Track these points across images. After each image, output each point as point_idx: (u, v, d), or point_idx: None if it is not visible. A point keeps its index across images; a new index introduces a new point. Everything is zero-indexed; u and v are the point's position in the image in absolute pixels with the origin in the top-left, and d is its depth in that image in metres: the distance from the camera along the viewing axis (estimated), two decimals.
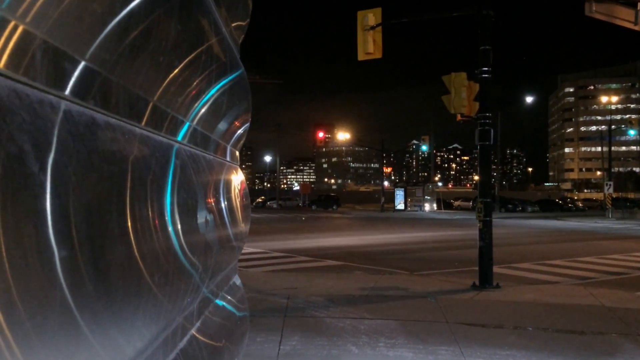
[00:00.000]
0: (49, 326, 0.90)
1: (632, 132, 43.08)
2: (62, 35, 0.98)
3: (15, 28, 0.85)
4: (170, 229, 1.58)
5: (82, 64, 1.07)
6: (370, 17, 11.71)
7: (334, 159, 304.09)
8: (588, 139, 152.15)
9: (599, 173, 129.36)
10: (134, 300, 1.28)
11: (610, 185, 41.74)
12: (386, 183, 72.14)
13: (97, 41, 1.11)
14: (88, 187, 1.06)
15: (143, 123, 1.43)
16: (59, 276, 0.92)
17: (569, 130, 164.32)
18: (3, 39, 0.83)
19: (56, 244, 0.91)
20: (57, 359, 0.94)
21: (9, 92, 0.82)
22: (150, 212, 1.40)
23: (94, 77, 1.12)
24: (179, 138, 1.81)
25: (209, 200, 2.17)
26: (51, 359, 0.91)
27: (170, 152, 1.67)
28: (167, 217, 1.56)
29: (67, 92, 1.01)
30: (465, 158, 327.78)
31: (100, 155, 1.12)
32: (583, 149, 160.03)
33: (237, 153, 3.21)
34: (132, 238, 1.26)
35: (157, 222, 1.45)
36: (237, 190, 2.93)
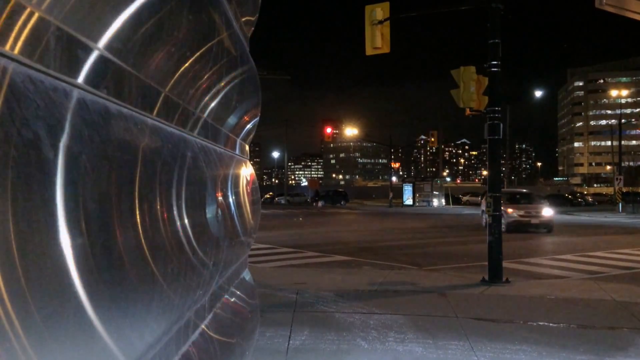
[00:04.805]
0: (60, 315, 0.89)
1: None
2: (76, 24, 0.98)
3: (30, 15, 0.85)
4: (180, 221, 1.58)
5: (96, 52, 1.06)
6: (378, 11, 11.66)
7: (341, 155, 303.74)
8: (598, 133, 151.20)
9: (608, 167, 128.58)
10: (143, 292, 1.28)
11: (620, 179, 41.41)
12: (394, 178, 72.01)
13: (111, 30, 1.11)
14: (100, 175, 1.06)
15: (155, 114, 1.43)
16: (70, 263, 0.92)
17: (578, 125, 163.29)
18: (18, 25, 0.82)
19: (68, 230, 0.91)
20: (69, 348, 0.93)
21: (23, 78, 0.82)
22: (160, 203, 1.40)
23: (107, 66, 1.12)
24: (190, 130, 1.81)
25: (219, 193, 2.17)
26: (62, 348, 0.91)
27: (181, 143, 1.67)
28: (178, 209, 1.55)
29: (81, 80, 1.01)
30: (474, 153, 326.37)
31: (113, 144, 1.12)
32: (593, 143, 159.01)
33: (247, 147, 3.21)
34: (142, 228, 1.25)
35: (167, 213, 1.45)
36: (246, 184, 2.93)
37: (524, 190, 28.83)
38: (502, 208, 22.01)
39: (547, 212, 22.35)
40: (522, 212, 21.88)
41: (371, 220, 32.52)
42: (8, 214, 0.77)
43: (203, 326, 2.00)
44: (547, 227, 21.90)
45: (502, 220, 21.96)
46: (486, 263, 10.29)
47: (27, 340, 0.81)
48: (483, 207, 26.36)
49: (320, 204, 54.96)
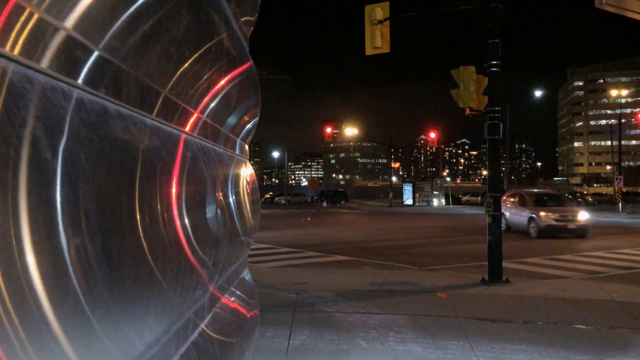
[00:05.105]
0: (58, 315, 0.90)
1: None
2: (75, 24, 0.98)
3: (30, 15, 0.85)
4: (180, 221, 1.58)
5: (95, 52, 1.07)
6: (378, 11, 11.66)
7: (342, 155, 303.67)
8: (598, 132, 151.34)
9: (608, 167, 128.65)
10: (143, 292, 1.28)
11: (620, 179, 41.39)
12: (394, 178, 72.15)
13: (110, 31, 1.11)
14: (99, 175, 1.06)
15: (154, 114, 1.43)
16: (68, 263, 0.92)
17: (578, 124, 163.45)
18: (18, 25, 0.83)
19: (67, 230, 0.91)
20: (67, 347, 0.93)
21: (21, 78, 0.82)
22: (160, 203, 1.40)
23: (106, 67, 1.12)
24: (190, 130, 1.81)
25: (219, 193, 2.17)
26: (61, 347, 0.91)
27: (181, 143, 1.67)
28: (178, 209, 1.55)
29: (80, 80, 1.01)
30: (474, 153, 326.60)
31: (112, 144, 1.12)
32: (592, 143, 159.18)
33: (247, 147, 3.21)
34: (142, 229, 1.25)
35: (166, 213, 1.45)
36: (246, 184, 2.93)
37: (552, 192, 26.35)
38: (533, 211, 19.96)
39: (583, 215, 20.16)
40: (556, 216, 19.76)
41: (371, 220, 32.52)
42: (7, 214, 0.77)
43: (202, 326, 1.99)
44: (584, 232, 19.76)
45: (533, 225, 19.77)
46: (486, 263, 10.30)
47: (26, 340, 0.81)
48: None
49: (325, 203, 55.78)
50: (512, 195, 23.01)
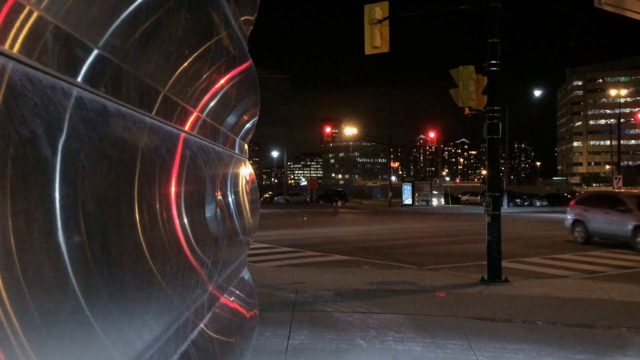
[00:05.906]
0: (57, 315, 0.89)
1: None
2: (75, 22, 0.98)
3: (29, 13, 0.85)
4: (179, 220, 1.58)
5: (95, 51, 1.07)
6: (378, 10, 11.65)
7: (341, 154, 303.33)
8: (597, 132, 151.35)
9: (607, 167, 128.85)
10: (142, 291, 1.28)
11: (619, 179, 41.36)
12: (394, 178, 72.21)
13: (110, 29, 1.11)
14: (99, 174, 1.06)
15: (153, 113, 1.43)
16: (68, 262, 0.92)
17: (577, 124, 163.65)
18: (17, 23, 0.83)
19: (66, 229, 0.91)
20: (67, 347, 0.93)
21: (21, 77, 0.82)
22: (159, 202, 1.40)
23: (106, 65, 1.12)
24: (189, 129, 1.81)
25: (218, 192, 2.17)
26: (60, 347, 0.91)
27: (180, 142, 1.67)
28: (177, 208, 1.55)
29: (79, 78, 1.01)
30: (473, 152, 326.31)
31: (111, 142, 1.12)
32: (592, 142, 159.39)
33: (246, 146, 3.21)
34: (140, 228, 1.25)
35: (165, 212, 1.45)
36: (245, 183, 2.93)
37: None
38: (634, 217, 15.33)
39: None
40: None
41: (370, 220, 32.52)
42: (6, 213, 0.77)
43: (202, 325, 1.99)
44: None
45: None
46: (485, 262, 10.30)
47: (25, 339, 0.81)
48: (571, 216, 18.22)
49: (339, 203, 55.66)
50: (595, 197, 18.46)
